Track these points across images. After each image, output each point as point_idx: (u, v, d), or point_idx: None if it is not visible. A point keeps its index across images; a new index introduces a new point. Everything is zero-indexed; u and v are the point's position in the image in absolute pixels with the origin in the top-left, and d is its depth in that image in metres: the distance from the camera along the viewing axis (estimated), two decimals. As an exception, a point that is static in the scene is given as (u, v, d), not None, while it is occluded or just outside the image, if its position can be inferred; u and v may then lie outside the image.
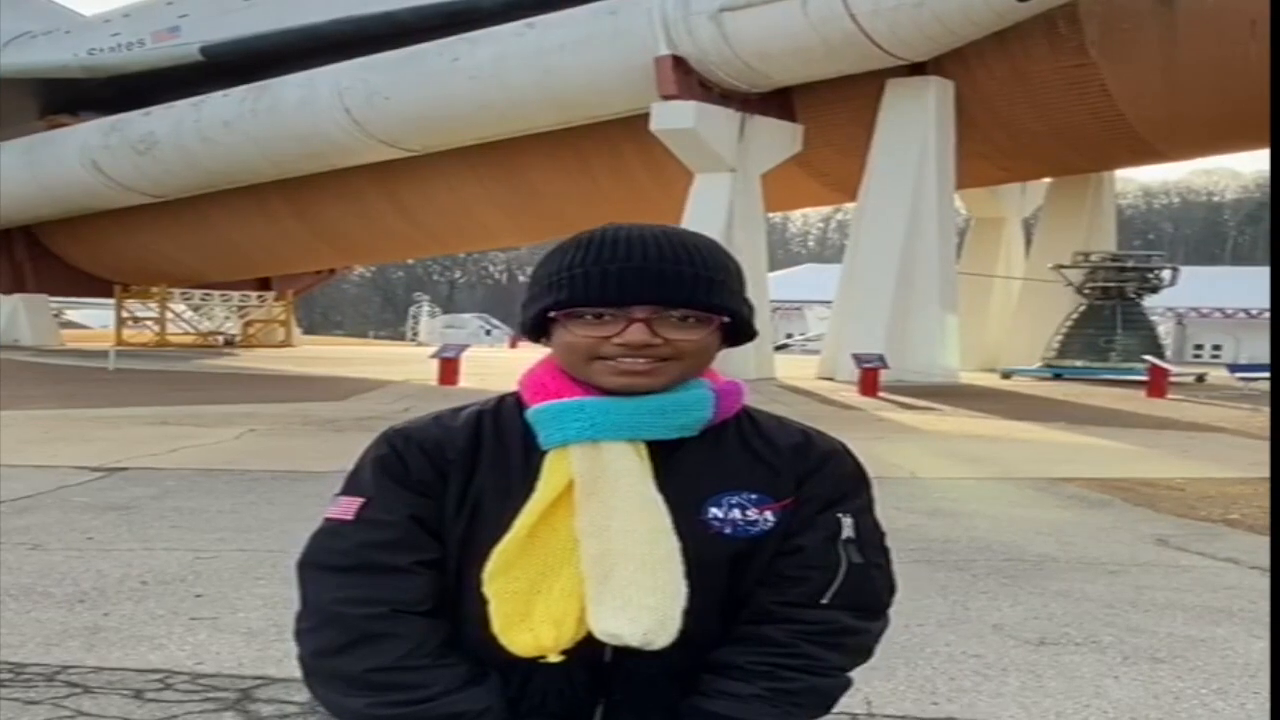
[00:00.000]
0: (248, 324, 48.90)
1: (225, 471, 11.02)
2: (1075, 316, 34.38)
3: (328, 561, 1.72)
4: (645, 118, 27.24)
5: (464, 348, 27.46)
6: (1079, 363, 33.16)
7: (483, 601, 1.67)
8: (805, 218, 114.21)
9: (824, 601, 1.73)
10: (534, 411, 1.73)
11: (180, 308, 48.11)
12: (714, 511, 1.71)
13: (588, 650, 1.67)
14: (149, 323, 47.21)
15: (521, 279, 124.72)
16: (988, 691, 4.71)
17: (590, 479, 1.67)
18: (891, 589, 1.84)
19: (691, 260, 1.70)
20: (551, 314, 1.71)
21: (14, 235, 43.17)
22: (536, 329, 1.76)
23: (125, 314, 46.55)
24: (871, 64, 26.47)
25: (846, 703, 4.43)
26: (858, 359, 24.52)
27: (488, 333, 75.21)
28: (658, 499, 1.68)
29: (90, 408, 17.96)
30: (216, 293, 47.42)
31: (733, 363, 26.87)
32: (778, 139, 28.47)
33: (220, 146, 34.14)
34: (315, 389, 23.25)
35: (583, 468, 1.68)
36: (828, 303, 35.50)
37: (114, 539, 7.65)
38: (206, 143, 34.33)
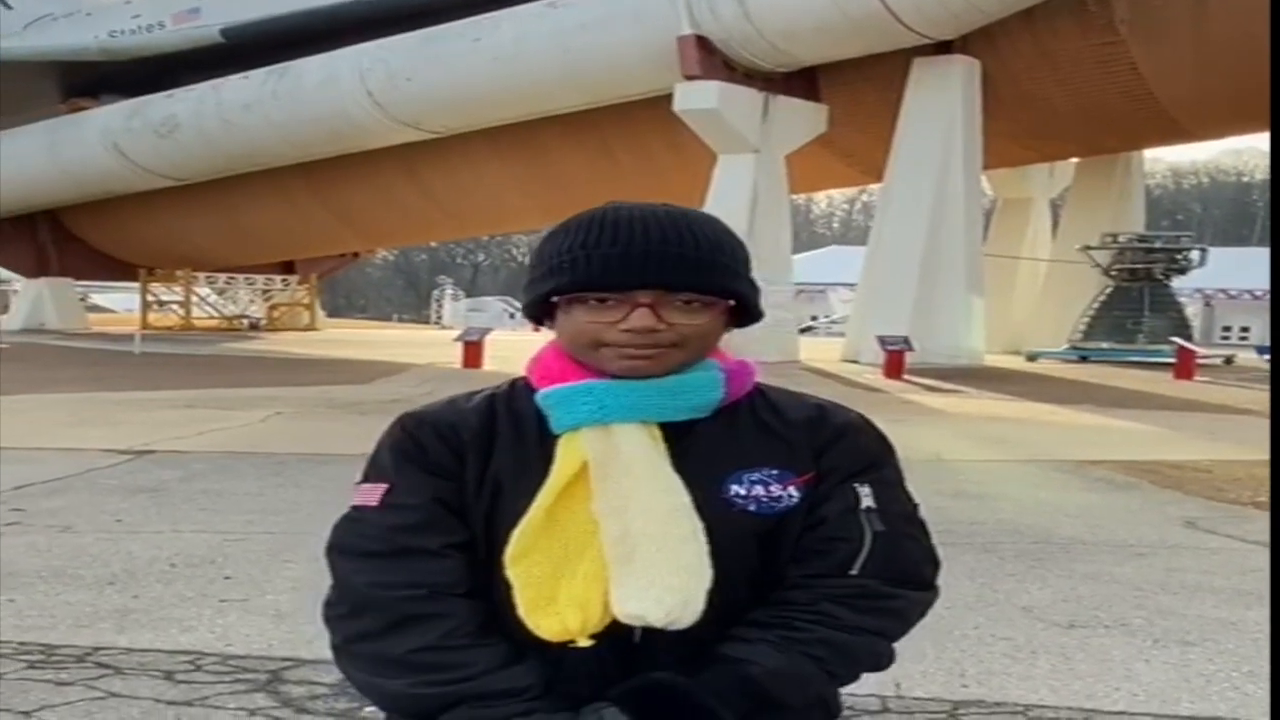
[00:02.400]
0: (272, 307, 49.00)
1: (252, 454, 11.08)
2: (1102, 298, 34.14)
3: (359, 547, 1.71)
4: (668, 98, 27.11)
5: (487, 331, 27.49)
6: (1106, 345, 32.93)
7: (508, 585, 1.66)
8: (830, 199, 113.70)
9: (853, 572, 1.71)
10: (543, 395, 1.72)
11: (205, 291, 48.26)
12: (736, 489, 1.70)
13: (616, 632, 1.66)
14: (174, 306, 47.37)
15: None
16: (1017, 674, 4.69)
17: (603, 461, 1.66)
18: (933, 562, 1.81)
19: (696, 242, 1.68)
20: (554, 298, 1.69)
21: (38, 219, 43.29)
22: (539, 312, 1.74)
23: (150, 298, 46.71)
24: (897, 42, 26.26)
25: (876, 684, 4.46)
26: (882, 341, 24.41)
27: (511, 316, 75.09)
28: (675, 478, 1.66)
29: (117, 391, 18.06)
30: (241, 276, 47.53)
31: (755, 345, 26.83)
32: (802, 119, 28.30)
33: (241, 129, 34.15)
34: (340, 372, 23.33)
35: (595, 450, 1.66)
36: (852, 285, 35.35)
37: (143, 521, 7.70)
38: (227, 125, 34.35)
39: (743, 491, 1.70)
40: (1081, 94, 27.60)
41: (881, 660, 1.76)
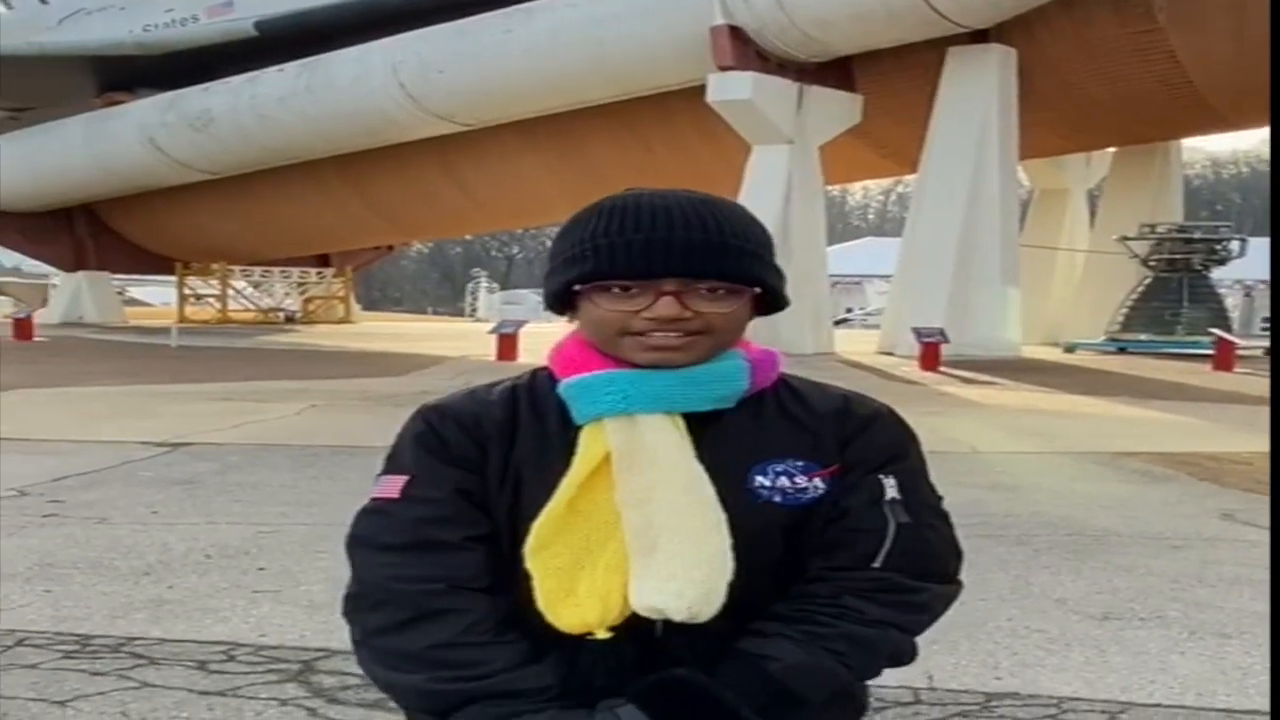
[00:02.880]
0: (307, 300, 49.27)
1: (286, 446, 11.13)
2: (1140, 289, 33.90)
3: (379, 540, 1.70)
4: (701, 89, 27.07)
5: (522, 323, 27.50)
6: (1144, 336, 32.70)
7: (528, 577, 1.64)
8: (865, 190, 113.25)
9: (876, 565, 1.69)
10: (565, 386, 1.70)
11: (241, 284, 48.55)
12: (760, 480, 1.68)
13: (637, 626, 1.64)
14: (211, 300, 47.69)
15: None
16: (1051, 666, 4.66)
17: (627, 452, 1.64)
18: (956, 554, 1.80)
19: (720, 229, 1.66)
20: (576, 287, 1.67)
21: (75, 213, 43.66)
22: (561, 302, 1.72)
23: (187, 291, 47.04)
24: (933, 31, 26.12)
25: (907, 675, 4.43)
26: (918, 333, 24.30)
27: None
28: (699, 469, 1.65)
29: (154, 384, 18.20)
30: (276, 269, 47.81)
31: (789, 337, 26.86)
32: (836, 109, 28.19)
33: (276, 123, 34.32)
34: (375, 365, 23.42)
35: (619, 440, 1.65)
36: (888, 277, 35.22)
37: (178, 513, 7.75)
38: (262, 119, 34.52)
39: (768, 483, 1.68)
40: (1119, 83, 27.37)
41: (904, 655, 1.74)
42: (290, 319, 47.14)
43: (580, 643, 1.65)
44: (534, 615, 1.64)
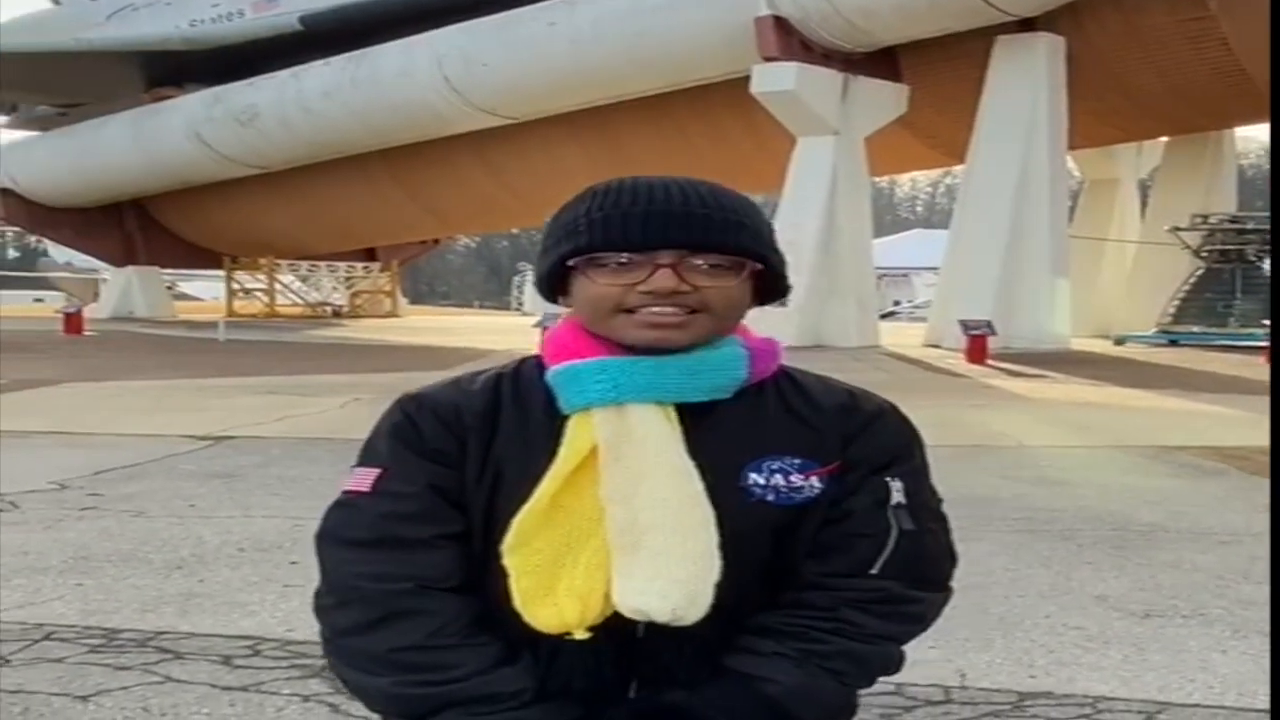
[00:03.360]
0: (354, 295, 49.54)
1: (329, 440, 11.13)
2: (1192, 280, 33.43)
3: (347, 535, 1.63)
4: (745, 81, 26.93)
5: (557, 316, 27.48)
6: (1196, 328, 32.25)
7: (505, 575, 1.58)
8: (913, 181, 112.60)
9: (874, 571, 1.61)
10: (553, 373, 1.63)
11: (288, 279, 48.87)
12: (754, 478, 1.60)
13: (618, 626, 1.57)
14: (258, 294, 48.03)
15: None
16: (1088, 664, 4.55)
17: (615, 444, 1.57)
18: (952, 559, 1.72)
19: (720, 204, 1.59)
20: (571, 263, 1.60)
21: (124, 209, 44.10)
22: (554, 283, 1.65)
23: (235, 286, 47.41)
24: (979, 20, 25.85)
25: (939, 674, 4.34)
26: (964, 325, 24.08)
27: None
28: (689, 465, 1.57)
29: (200, 378, 18.33)
30: (323, 264, 48.10)
31: (834, 329, 26.68)
32: (882, 100, 27.96)
33: (321, 117, 34.49)
34: (420, 359, 23.47)
35: (606, 432, 1.57)
36: (935, 269, 34.94)
37: (215, 506, 7.76)
38: (307, 113, 34.71)
39: (761, 480, 1.60)
40: (1170, 71, 26.99)
41: (895, 666, 1.67)
42: (337, 313, 47.45)
43: (558, 644, 1.58)
44: (510, 615, 1.58)
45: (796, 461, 1.62)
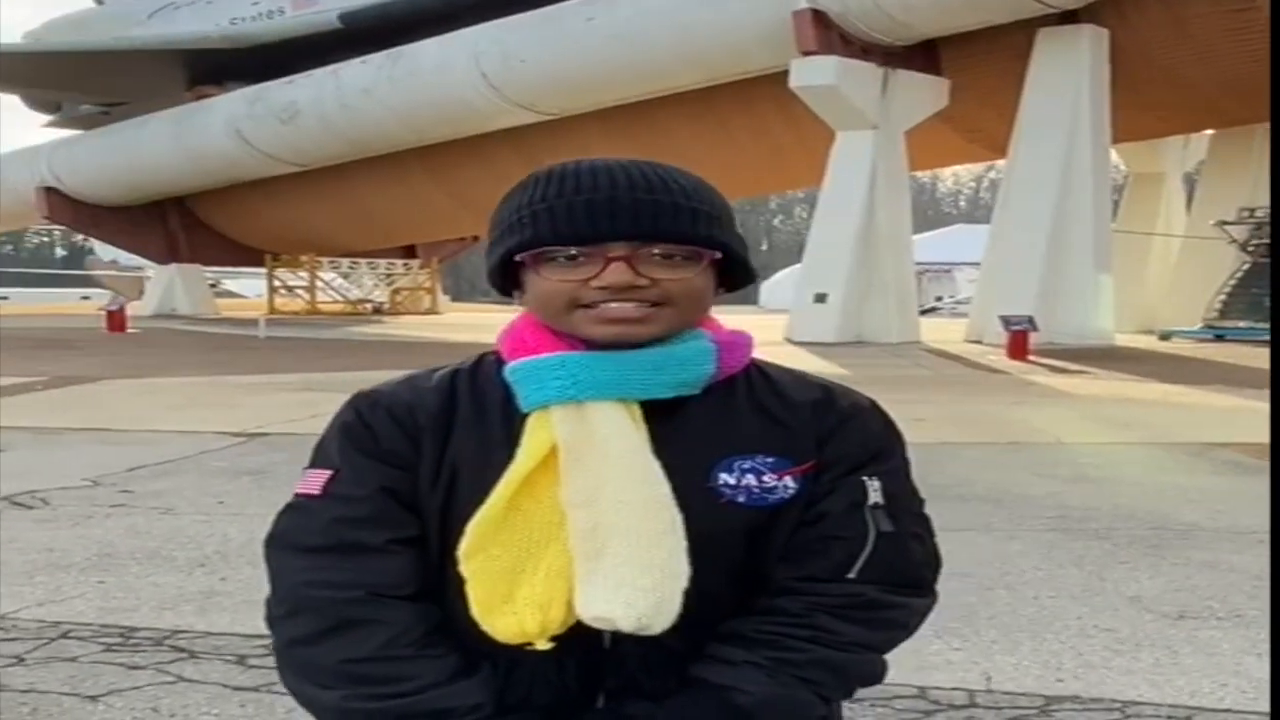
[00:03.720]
0: (394, 292, 49.71)
1: (360, 436, 11.12)
2: (1239, 275, 33.01)
3: (296, 541, 1.56)
4: (785, 75, 26.79)
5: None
6: (1242, 323, 31.82)
7: (461, 583, 1.49)
8: (956, 176, 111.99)
9: (851, 576, 1.52)
10: (511, 369, 1.55)
11: (329, 276, 49.10)
12: (724, 478, 1.51)
13: (583, 636, 1.49)
14: (300, 291, 48.29)
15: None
16: (1117, 668, 4.44)
17: (575, 444, 1.48)
18: (935, 563, 1.63)
19: (670, 189, 1.49)
20: (518, 258, 1.51)
21: (167, 207, 44.46)
22: (504, 278, 1.57)
23: (277, 283, 47.68)
24: (1020, 12, 25.62)
25: (963, 677, 4.25)
26: (1005, 321, 23.86)
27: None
28: (654, 465, 1.48)
29: (238, 375, 18.39)
30: (364, 261, 48.29)
31: (874, 325, 26.53)
32: (922, 94, 27.76)
33: (360, 114, 34.62)
34: (458, 355, 22.84)
35: (566, 431, 1.48)
36: (978, 264, 34.68)
37: (244, 504, 7.75)
38: (347, 110, 34.85)
39: (732, 480, 1.51)
40: (1215, 63, 26.63)
41: (876, 676, 1.58)
42: (378, 310, 47.62)
43: (518, 655, 1.50)
44: (468, 625, 1.50)
45: (769, 460, 1.53)
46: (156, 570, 5.89)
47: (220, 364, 20.67)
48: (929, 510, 1.66)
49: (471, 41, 32.02)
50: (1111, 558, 6.32)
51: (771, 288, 68.63)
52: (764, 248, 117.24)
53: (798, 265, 33.70)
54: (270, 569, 1.59)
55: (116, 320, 31.88)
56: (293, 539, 1.57)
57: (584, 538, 1.46)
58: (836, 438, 1.57)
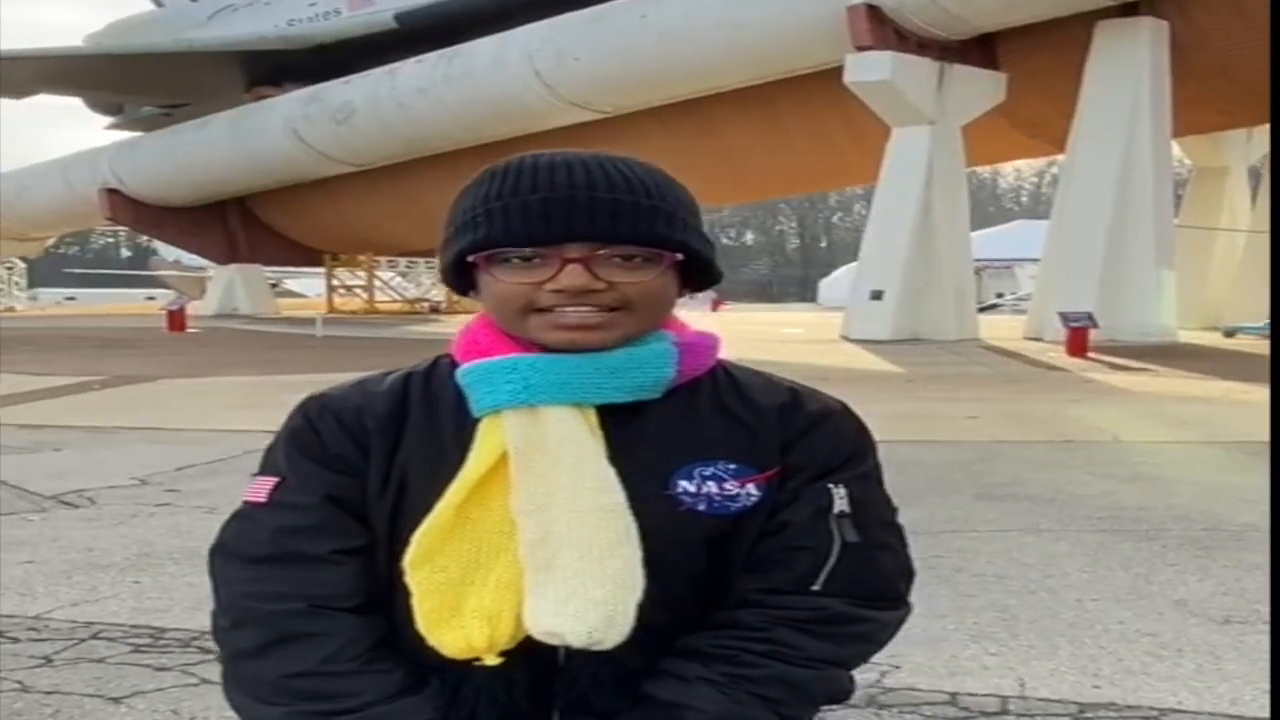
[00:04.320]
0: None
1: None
2: (1306, 269, 32.45)
3: (240, 550, 1.51)
4: (839, 71, 26.60)
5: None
6: (1309, 319, 31.28)
7: (408, 594, 1.44)
8: (1018, 172, 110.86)
9: (816, 588, 1.45)
10: (463, 372, 1.48)
11: (387, 275, 49.42)
12: (684, 485, 1.44)
13: (535, 652, 1.42)
14: (358, 290, 48.64)
15: (725, 241, 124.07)
16: (1157, 674, 4.31)
17: (526, 450, 1.41)
18: (907, 574, 1.55)
19: (630, 187, 1.42)
20: (471, 259, 1.45)
21: (228, 207, 44.97)
22: (459, 278, 1.50)
23: (335, 282, 48.06)
24: (1079, 4, 25.27)
25: (998, 683, 4.15)
26: (1064, 318, 23.57)
27: (690, 296, 75.27)
28: (609, 473, 1.41)
29: (293, 374, 18.48)
30: (421, 260, 48.56)
31: (932, 323, 26.26)
32: (979, 89, 27.45)
33: (415, 113, 34.79)
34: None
35: (517, 436, 1.42)
36: (1039, 260, 34.32)
37: (286, 502, 7.75)
38: (402, 110, 35.03)
39: (692, 488, 1.44)
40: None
41: (842, 694, 1.51)
42: (435, 309, 47.85)
43: (466, 670, 1.44)
44: (415, 638, 1.44)
45: (732, 467, 1.46)
46: (193, 570, 5.89)
47: (276, 363, 20.82)
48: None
49: (525, 40, 32.09)
50: (1160, 559, 6.18)
51: (830, 285, 68.26)
52: (823, 244, 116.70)
53: (856, 263, 33.48)
54: (214, 579, 1.54)
55: (177, 320, 32.26)
56: (237, 549, 1.52)
57: (534, 547, 1.40)
58: (802, 443, 1.50)
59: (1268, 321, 31.87)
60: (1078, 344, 22.74)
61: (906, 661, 4.27)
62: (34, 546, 6.44)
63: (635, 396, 1.45)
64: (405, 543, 1.45)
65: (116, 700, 4.01)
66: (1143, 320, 25.92)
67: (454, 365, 1.53)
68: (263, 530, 1.50)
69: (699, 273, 1.51)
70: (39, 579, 5.73)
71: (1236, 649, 4.62)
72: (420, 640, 1.44)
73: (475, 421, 1.46)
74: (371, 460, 1.50)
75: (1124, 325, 25.10)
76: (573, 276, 1.40)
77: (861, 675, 4.15)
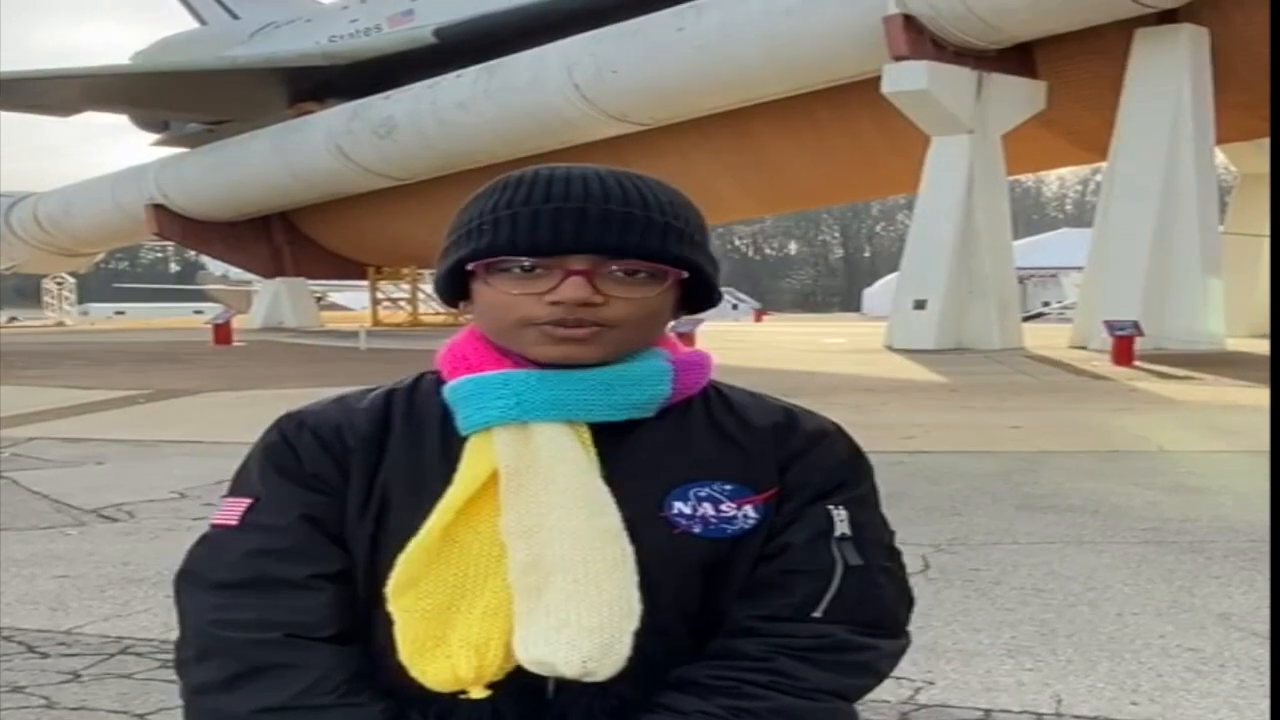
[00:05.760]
0: (494, 303, 50.23)
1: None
2: (1356, 275, 32.02)
3: (210, 576, 1.45)
4: (877, 80, 26.51)
5: (699, 321, 27.36)
6: (1361, 326, 30.85)
7: (390, 622, 1.38)
8: (1062, 180, 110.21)
9: (817, 615, 1.40)
10: (450, 388, 1.44)
11: (430, 288, 49.64)
12: (679, 506, 1.39)
13: (523, 683, 1.36)
14: (402, 303, 48.87)
15: (768, 251, 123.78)
16: (1198, 690, 4.22)
17: (517, 470, 1.37)
18: (908, 601, 1.49)
19: (643, 202, 1.39)
20: (470, 267, 1.41)
21: (272, 221, 45.30)
22: (454, 287, 1.46)
23: (380, 295, 48.30)
24: (1117, 12, 25.04)
25: (1033, 699, 4.07)
26: (1109, 326, 23.33)
27: (734, 306, 75.27)
28: (603, 494, 1.36)
29: (336, 386, 18.46)
30: (464, 273, 48.82)
31: (975, 332, 26.07)
32: (1018, 97, 27.26)
33: (456, 128, 34.92)
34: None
35: (508, 455, 1.37)
36: (1083, 269, 34.06)
37: (323, 515, 7.76)
38: (442, 124, 35.19)
39: (687, 510, 1.40)
40: (1323, 59, 25.80)
41: None
42: (479, 321, 48.01)
43: (451, 704, 1.38)
44: (396, 669, 1.38)
45: (728, 488, 1.41)
46: (220, 584, 5.90)
47: (320, 375, 20.89)
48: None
49: (564, 53, 32.18)
50: (1204, 572, 6.07)
51: (873, 295, 68.07)
52: (866, 254, 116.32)
53: (898, 272, 33.35)
54: (179, 607, 1.48)
55: (222, 333, 32.48)
56: (204, 574, 1.46)
57: (524, 572, 1.35)
58: (800, 463, 1.46)
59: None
60: (1123, 352, 22.49)
61: (941, 677, 4.20)
62: (70, 561, 6.46)
63: (629, 414, 1.42)
64: (386, 567, 1.39)
65: (141, 716, 4.00)
66: (1190, 328, 25.64)
67: (439, 382, 1.49)
68: (233, 554, 1.44)
69: (700, 294, 1.47)
70: (72, 593, 5.74)
71: (1280, 664, 4.52)
72: (401, 671, 1.38)
73: (462, 440, 1.42)
74: (351, 480, 1.45)
75: (1171, 333, 24.84)
76: (574, 288, 1.36)
77: (894, 692, 4.08)
